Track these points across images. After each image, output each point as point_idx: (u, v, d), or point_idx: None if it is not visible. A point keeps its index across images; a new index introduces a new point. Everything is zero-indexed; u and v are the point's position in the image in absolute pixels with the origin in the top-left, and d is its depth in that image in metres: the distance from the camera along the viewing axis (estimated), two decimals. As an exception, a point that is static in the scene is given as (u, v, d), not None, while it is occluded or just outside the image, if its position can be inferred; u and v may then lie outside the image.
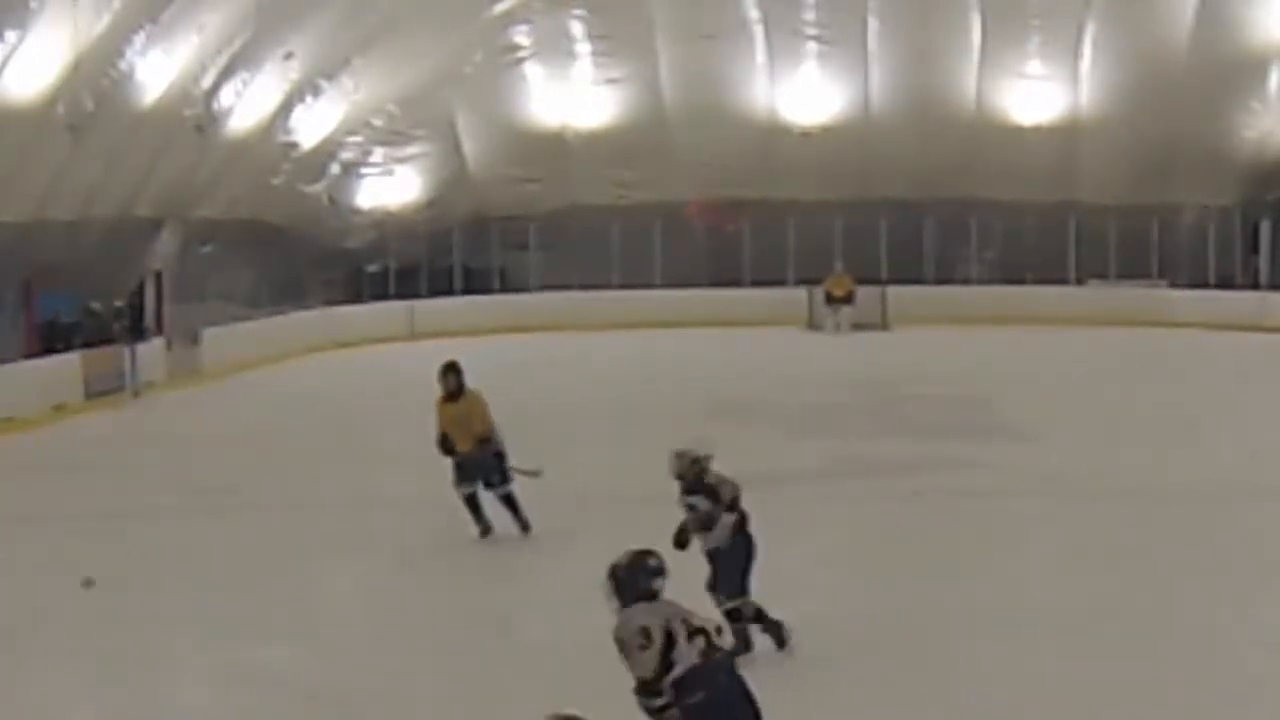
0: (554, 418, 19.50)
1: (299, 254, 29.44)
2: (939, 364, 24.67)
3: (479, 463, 12.04)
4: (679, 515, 8.97)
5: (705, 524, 8.87)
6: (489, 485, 12.10)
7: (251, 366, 25.04)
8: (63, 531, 13.24)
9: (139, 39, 20.76)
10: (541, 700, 8.18)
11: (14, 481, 15.69)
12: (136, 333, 23.45)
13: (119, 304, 23.35)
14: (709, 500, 8.94)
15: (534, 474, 12.17)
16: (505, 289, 31.99)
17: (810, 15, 30.29)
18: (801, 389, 21.75)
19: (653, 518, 13.49)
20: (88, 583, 9.74)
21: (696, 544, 8.78)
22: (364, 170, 31.04)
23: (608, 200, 31.78)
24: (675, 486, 9.10)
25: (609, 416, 19.70)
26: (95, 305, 22.89)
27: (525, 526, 12.12)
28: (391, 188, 31.37)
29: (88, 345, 21.72)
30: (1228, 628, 9.47)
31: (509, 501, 12.12)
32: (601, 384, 22.94)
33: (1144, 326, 28.56)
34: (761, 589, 8.87)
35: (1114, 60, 29.89)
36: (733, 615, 8.53)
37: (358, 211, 31.31)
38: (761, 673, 8.48)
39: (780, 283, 31.45)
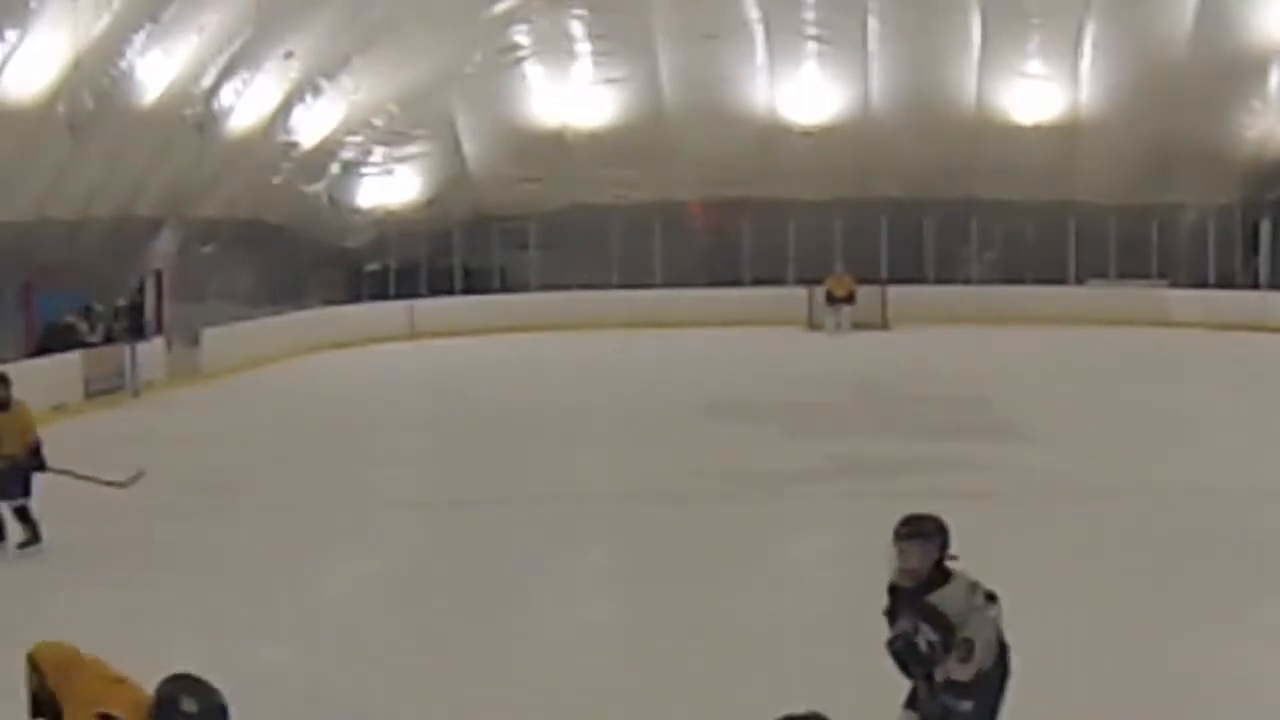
0: (554, 418, 19.51)
1: (299, 254, 29.43)
2: (939, 364, 24.67)
3: (10, 475, 11.95)
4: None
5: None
6: (5, 496, 11.98)
7: (251, 366, 25.03)
8: (62, 531, 13.22)
9: (139, 39, 20.76)
10: (542, 699, 8.21)
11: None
12: (136, 332, 23.46)
13: (119, 303, 23.34)
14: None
15: (120, 484, 12.21)
16: (505, 289, 31.99)
17: (810, 15, 30.29)
18: (801, 389, 21.75)
19: (653, 517, 13.54)
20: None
21: None
22: (364, 170, 31.04)
23: (608, 200, 31.78)
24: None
25: (609, 416, 19.69)
26: (102, 307, 22.89)
27: (35, 539, 11.95)
28: (391, 187, 31.38)
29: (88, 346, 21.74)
30: (1228, 627, 9.47)
31: (22, 514, 11.97)
32: (601, 384, 22.95)
33: (1144, 326, 28.56)
34: (761, 589, 8.86)
35: (1114, 60, 29.89)
36: None
37: (358, 211, 31.31)
38: (760, 673, 8.49)
39: (780, 283, 31.45)
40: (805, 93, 31.14)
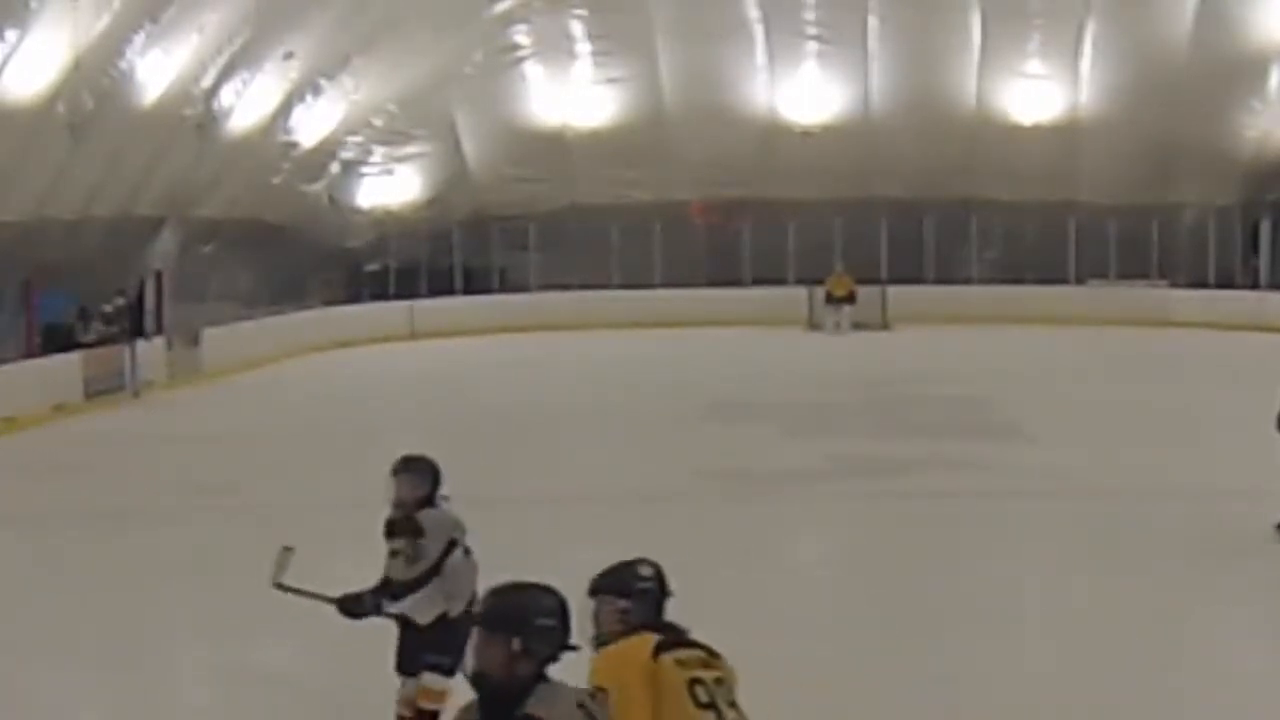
0: (554, 418, 19.51)
1: (299, 254, 29.43)
2: (939, 364, 24.66)
3: None
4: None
5: None
6: None
7: (251, 366, 25.03)
8: (63, 531, 13.23)
9: (139, 39, 20.76)
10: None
11: (14, 481, 15.68)
12: (136, 332, 23.45)
13: (119, 302, 23.32)
14: None
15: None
16: (505, 289, 31.99)
17: (810, 15, 30.30)
18: (801, 389, 21.75)
19: (653, 517, 13.53)
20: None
21: None
22: (364, 170, 31.06)
23: (608, 200, 31.78)
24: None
25: (609, 416, 19.69)
26: (110, 305, 22.88)
27: None
28: (391, 187, 31.38)
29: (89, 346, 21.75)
30: (1229, 627, 9.47)
31: None
32: (601, 384, 22.94)
33: (1144, 326, 28.56)
34: (761, 588, 8.86)
35: (1114, 60, 29.90)
36: None
37: (358, 211, 31.32)
38: (758, 674, 8.49)
39: (780, 283, 31.45)
40: (805, 93, 31.14)
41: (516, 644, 3.84)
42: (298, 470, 16.18)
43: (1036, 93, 30.78)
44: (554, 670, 3.91)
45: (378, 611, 7.19)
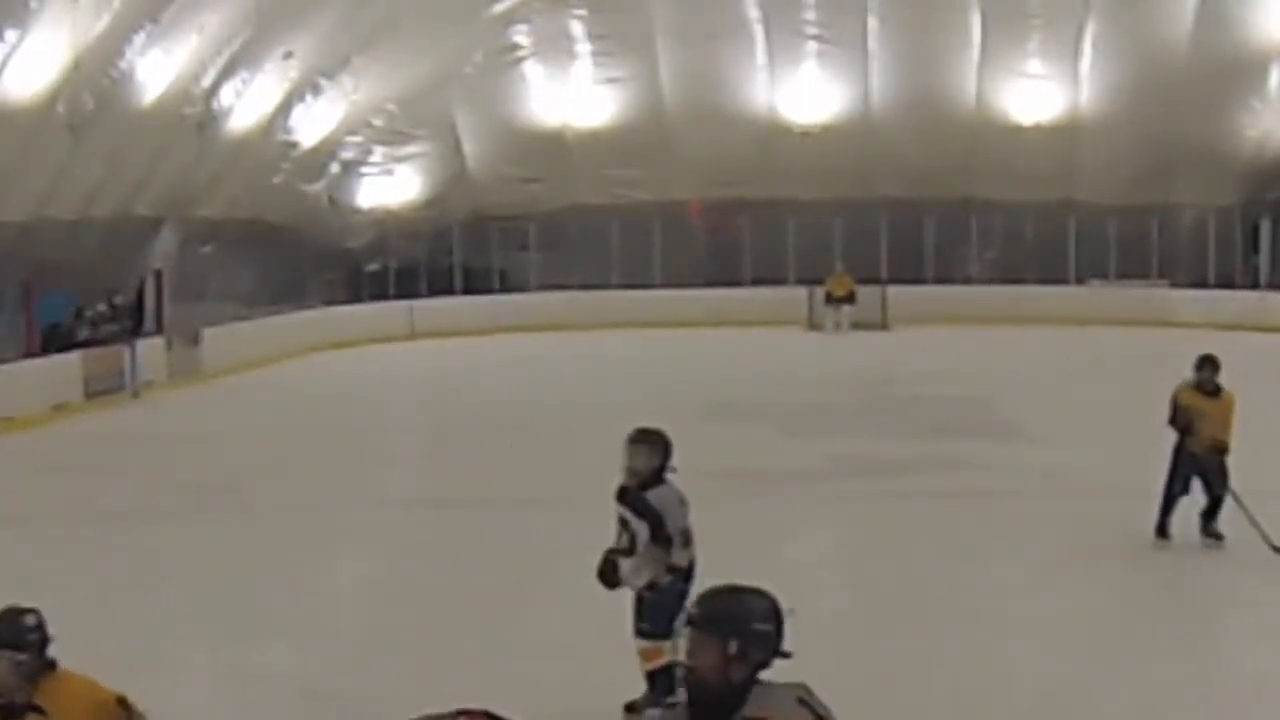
0: (553, 418, 19.51)
1: (299, 254, 29.44)
2: (939, 364, 24.66)
3: None
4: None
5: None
6: None
7: (251, 366, 25.04)
8: (63, 531, 13.24)
9: (139, 39, 20.76)
10: (543, 698, 8.21)
11: (14, 481, 15.68)
12: (136, 332, 23.45)
13: (115, 301, 23.32)
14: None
15: None
16: (505, 289, 31.99)
17: (810, 15, 30.30)
18: (801, 389, 21.76)
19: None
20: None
21: None
22: (364, 170, 31.06)
23: (608, 200, 31.78)
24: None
25: (609, 416, 19.60)
26: (103, 305, 22.88)
27: None
28: (391, 187, 31.38)
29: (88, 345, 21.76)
30: (1229, 627, 9.48)
31: None
32: (601, 384, 22.93)
33: (1144, 326, 28.55)
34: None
35: (1114, 60, 29.90)
36: None
37: (358, 211, 31.32)
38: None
39: (780, 283, 31.44)
40: (805, 93, 31.14)
41: (734, 646, 3.77)
42: (298, 470, 16.18)
43: (1036, 93, 30.77)
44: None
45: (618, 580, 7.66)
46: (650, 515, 7.51)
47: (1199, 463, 11.23)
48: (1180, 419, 11.32)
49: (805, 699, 3.82)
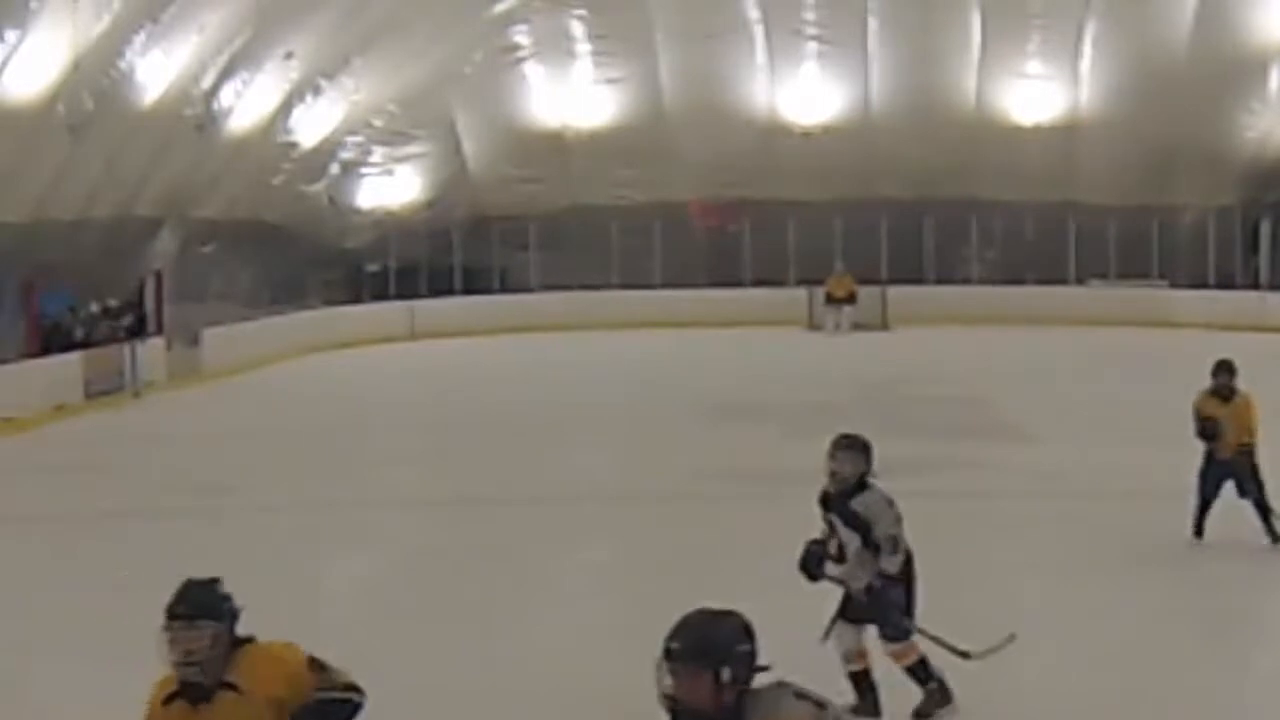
0: (553, 418, 19.51)
1: (299, 254, 29.44)
2: (939, 364, 24.66)
3: None
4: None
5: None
6: None
7: (251, 366, 25.03)
8: (63, 531, 13.24)
9: (139, 39, 20.78)
10: (544, 699, 8.21)
11: (14, 481, 15.68)
12: (136, 332, 23.45)
13: (109, 304, 23.31)
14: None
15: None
16: (505, 289, 31.98)
17: (810, 15, 30.31)
18: (801, 389, 21.74)
19: (653, 517, 13.54)
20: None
21: None
22: (364, 170, 31.06)
23: (608, 200, 31.78)
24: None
25: (609, 416, 19.69)
26: (99, 304, 22.88)
27: None
28: (391, 188, 31.38)
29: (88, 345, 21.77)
30: (1230, 627, 9.47)
31: None
32: (601, 384, 22.94)
33: (1144, 326, 28.54)
34: (762, 588, 8.86)
35: (1114, 60, 29.90)
36: None
37: (358, 211, 31.32)
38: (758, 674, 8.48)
39: (780, 283, 31.44)
40: (805, 93, 31.14)
41: (726, 674, 3.80)
42: (297, 470, 16.18)
43: (1036, 93, 30.78)
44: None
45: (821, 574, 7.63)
46: (860, 525, 7.54)
47: (1228, 468, 11.32)
48: (1204, 429, 11.41)
49: (800, 693, 3.85)
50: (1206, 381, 11.88)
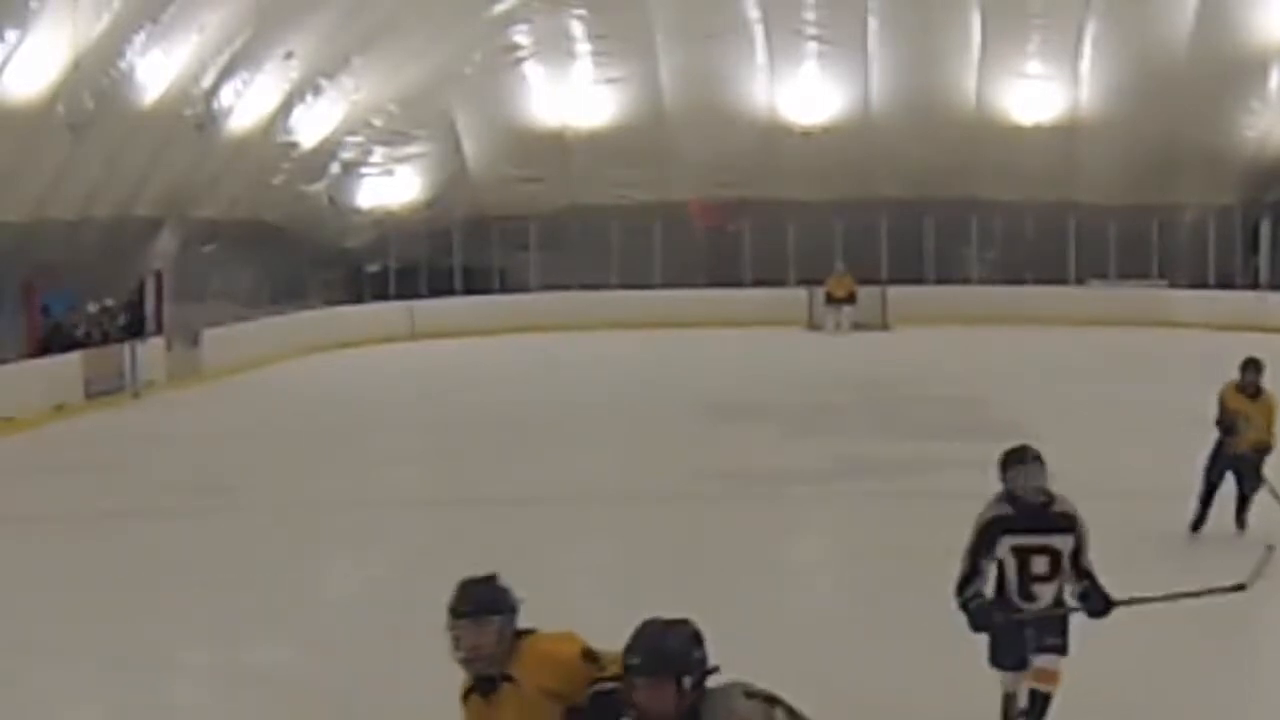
0: (553, 418, 19.51)
1: (299, 254, 29.44)
2: (939, 364, 24.66)
3: None
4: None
5: None
6: None
7: (252, 366, 25.03)
8: (63, 531, 13.24)
9: (139, 39, 20.77)
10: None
11: (14, 481, 15.68)
12: (136, 332, 23.45)
13: (107, 304, 23.30)
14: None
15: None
16: (505, 289, 31.98)
17: (810, 15, 30.30)
18: (801, 389, 21.75)
19: (653, 517, 13.53)
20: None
21: None
22: (364, 170, 31.05)
23: (608, 200, 31.78)
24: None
25: (609, 416, 19.69)
26: (97, 304, 22.87)
27: None
28: (391, 188, 31.38)
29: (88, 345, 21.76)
30: (1230, 627, 9.46)
31: None
32: (601, 384, 22.94)
33: (1144, 326, 28.55)
34: (762, 588, 8.85)
35: (1114, 60, 29.90)
36: None
37: (358, 211, 31.31)
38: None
39: (780, 283, 31.44)
40: (805, 93, 31.14)
41: (688, 683, 3.98)
42: (297, 470, 16.19)
43: (1036, 93, 30.78)
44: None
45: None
46: (1071, 523, 7.65)
47: (1237, 462, 11.36)
48: (1226, 422, 11.41)
49: (749, 691, 4.01)
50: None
